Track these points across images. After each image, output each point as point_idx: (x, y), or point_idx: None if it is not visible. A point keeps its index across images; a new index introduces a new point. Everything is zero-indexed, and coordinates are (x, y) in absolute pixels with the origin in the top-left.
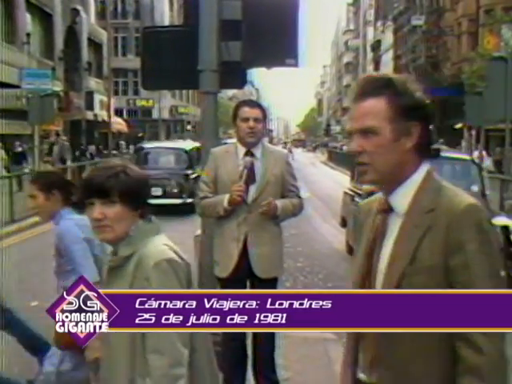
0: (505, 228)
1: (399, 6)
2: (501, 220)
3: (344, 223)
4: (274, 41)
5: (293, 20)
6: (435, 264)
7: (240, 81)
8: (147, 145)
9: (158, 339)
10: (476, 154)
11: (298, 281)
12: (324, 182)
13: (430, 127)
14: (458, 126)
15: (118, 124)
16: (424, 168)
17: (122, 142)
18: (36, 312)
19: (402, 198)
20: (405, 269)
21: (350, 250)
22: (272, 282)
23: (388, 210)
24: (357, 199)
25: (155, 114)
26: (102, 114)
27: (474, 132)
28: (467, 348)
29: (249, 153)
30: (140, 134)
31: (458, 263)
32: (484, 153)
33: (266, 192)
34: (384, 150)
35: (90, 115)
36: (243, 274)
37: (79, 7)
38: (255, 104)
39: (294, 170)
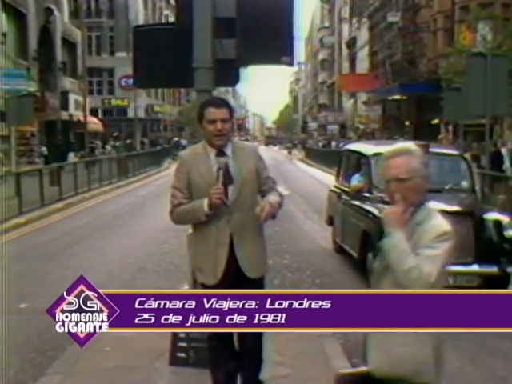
0: (497, 223)
1: (375, 3)
2: (493, 215)
3: (331, 221)
4: (269, 38)
5: (288, 17)
6: None
7: (234, 78)
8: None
9: None
10: (504, 150)
11: (285, 278)
12: (303, 178)
13: None
14: (435, 121)
15: (94, 124)
16: None
17: (98, 142)
18: (26, 314)
19: None
20: None
21: (338, 249)
22: (260, 281)
23: None
24: (344, 197)
25: (131, 113)
26: (77, 114)
27: (450, 127)
28: None
29: (220, 153)
30: (115, 134)
31: None
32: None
33: (244, 190)
34: None
35: (65, 115)
36: (232, 278)
37: (53, 6)
38: (221, 103)
39: (272, 167)
